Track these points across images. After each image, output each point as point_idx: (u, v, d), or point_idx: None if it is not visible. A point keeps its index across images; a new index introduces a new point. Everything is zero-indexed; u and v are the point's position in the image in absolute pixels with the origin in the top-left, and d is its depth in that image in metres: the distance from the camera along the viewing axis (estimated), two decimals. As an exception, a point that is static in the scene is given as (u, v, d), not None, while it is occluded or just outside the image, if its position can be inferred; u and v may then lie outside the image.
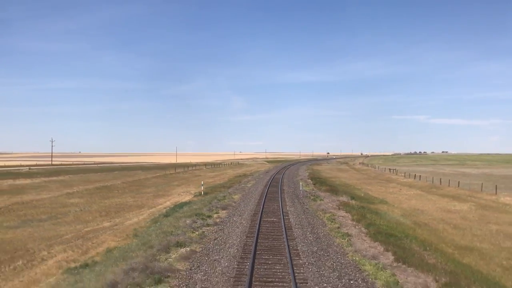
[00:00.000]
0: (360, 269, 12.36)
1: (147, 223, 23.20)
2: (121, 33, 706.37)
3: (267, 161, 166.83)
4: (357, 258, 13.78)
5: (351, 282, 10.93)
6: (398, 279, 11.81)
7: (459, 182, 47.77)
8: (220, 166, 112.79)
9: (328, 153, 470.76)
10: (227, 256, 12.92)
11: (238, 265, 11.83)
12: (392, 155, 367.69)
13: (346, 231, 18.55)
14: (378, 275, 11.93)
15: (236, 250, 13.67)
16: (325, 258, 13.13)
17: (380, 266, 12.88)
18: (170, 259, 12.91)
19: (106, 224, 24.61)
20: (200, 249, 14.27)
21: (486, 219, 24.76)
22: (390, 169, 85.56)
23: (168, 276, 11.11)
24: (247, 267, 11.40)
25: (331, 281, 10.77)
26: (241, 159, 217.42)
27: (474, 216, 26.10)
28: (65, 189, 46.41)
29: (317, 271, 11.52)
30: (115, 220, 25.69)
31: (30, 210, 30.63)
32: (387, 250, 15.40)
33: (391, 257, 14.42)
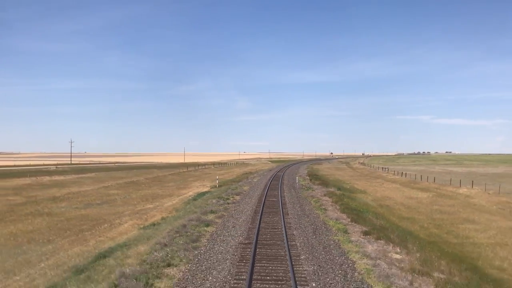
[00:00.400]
0: (325, 223, 20.46)
1: (181, 204, 31.45)
2: (125, 33, 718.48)
3: (271, 161, 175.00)
4: (326, 219, 21.88)
5: (317, 227, 19.05)
6: (347, 228, 19.89)
7: (434, 178, 55.70)
8: (227, 165, 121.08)
9: (332, 153, 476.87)
10: (244, 215, 21.15)
11: (252, 218, 20.06)
12: (394, 155, 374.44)
13: (325, 207, 26.65)
14: (335, 226, 20.02)
15: (250, 213, 21.90)
16: (305, 217, 21.29)
17: (339, 223, 20.97)
18: (210, 218, 21.10)
19: (149, 205, 32.90)
20: (227, 214, 22.46)
21: (435, 203, 32.83)
22: (383, 168, 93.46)
23: (212, 223, 19.32)
24: (257, 218, 19.59)
25: (305, 225, 18.93)
26: (246, 159, 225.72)
27: (428, 201, 34.15)
28: (99, 184, 54.78)
29: (298, 221, 19.71)
30: (155, 203, 33.98)
31: (83, 198, 38.98)
32: (348, 217, 23.43)
33: (349, 220, 22.47)
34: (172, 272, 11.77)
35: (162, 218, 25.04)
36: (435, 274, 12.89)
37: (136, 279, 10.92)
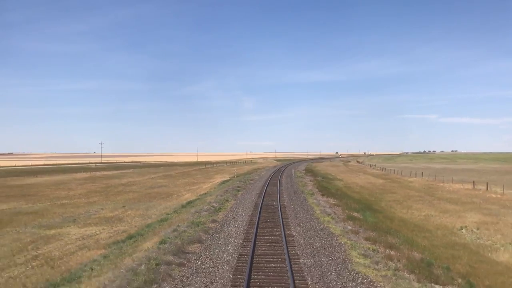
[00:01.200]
0: (302, 191, 36.84)
1: (215, 186, 47.99)
2: (130, 34, 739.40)
3: (276, 160, 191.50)
4: (303, 189, 38.25)
5: (296, 192, 35.45)
6: (314, 193, 36.26)
7: (402, 171, 71.76)
8: (237, 163, 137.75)
9: (337, 152, 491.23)
10: (257, 187, 37.75)
11: (260, 189, 36.66)
12: (399, 154, 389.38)
13: (306, 185, 43.07)
14: (308, 192, 36.39)
15: (260, 186, 38.49)
16: (291, 189, 37.79)
17: (310, 191, 37.37)
18: (238, 189, 37.63)
19: (193, 187, 49.50)
20: (247, 187, 38.99)
21: (383, 185, 49.02)
22: (370, 165, 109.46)
23: (241, 190, 35.87)
24: (264, 189, 36.15)
25: (290, 191, 35.43)
26: (252, 158, 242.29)
27: (380, 184, 50.36)
28: (143, 176, 71.54)
29: (287, 190, 36.26)
30: (195, 186, 50.58)
31: (143, 184, 55.67)
32: (318, 190, 39.81)
33: (317, 190, 38.85)
34: (230, 202, 28.29)
35: (208, 191, 41.63)
36: (344, 206, 29.30)
37: (217, 202, 27.46)
